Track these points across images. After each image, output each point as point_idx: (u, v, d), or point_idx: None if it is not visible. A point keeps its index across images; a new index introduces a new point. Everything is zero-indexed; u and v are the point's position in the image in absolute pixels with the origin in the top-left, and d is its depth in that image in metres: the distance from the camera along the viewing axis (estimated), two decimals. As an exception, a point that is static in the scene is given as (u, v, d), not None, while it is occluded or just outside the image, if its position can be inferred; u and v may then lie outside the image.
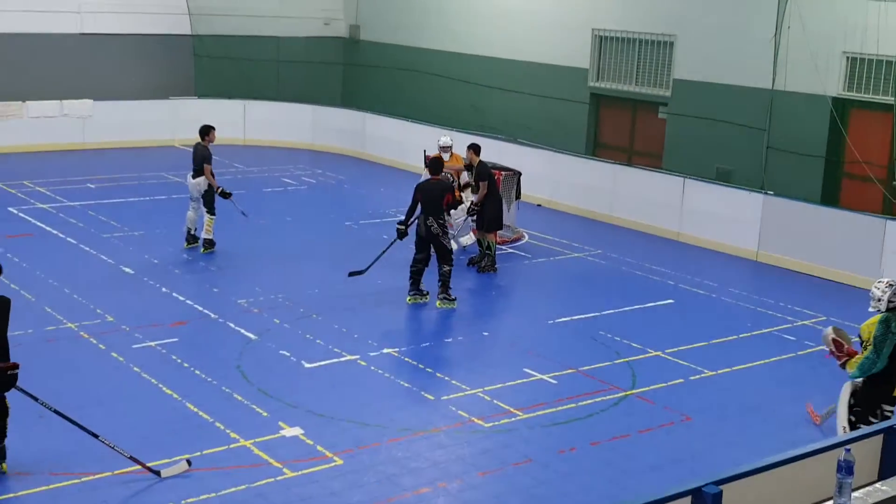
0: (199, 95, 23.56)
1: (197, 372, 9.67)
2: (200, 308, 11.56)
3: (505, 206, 14.79)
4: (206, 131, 14.07)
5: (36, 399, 7.59)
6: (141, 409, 8.84)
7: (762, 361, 10.85)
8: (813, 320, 12.25)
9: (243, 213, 14.17)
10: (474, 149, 13.74)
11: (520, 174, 15.37)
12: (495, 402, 9.36)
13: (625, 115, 19.46)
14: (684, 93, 18.07)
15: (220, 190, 13.92)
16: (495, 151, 17.20)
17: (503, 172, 15.06)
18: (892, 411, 7.86)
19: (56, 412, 7.69)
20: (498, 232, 14.24)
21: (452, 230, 14.00)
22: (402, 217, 12.44)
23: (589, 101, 19.74)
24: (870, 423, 7.65)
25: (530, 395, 9.58)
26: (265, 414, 8.81)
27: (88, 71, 22.18)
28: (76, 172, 18.96)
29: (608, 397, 9.61)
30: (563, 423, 8.99)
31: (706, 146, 17.68)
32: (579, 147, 19.52)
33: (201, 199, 13.96)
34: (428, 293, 12.21)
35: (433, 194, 12.02)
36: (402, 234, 12.25)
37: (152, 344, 10.35)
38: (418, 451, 8.32)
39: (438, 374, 10.03)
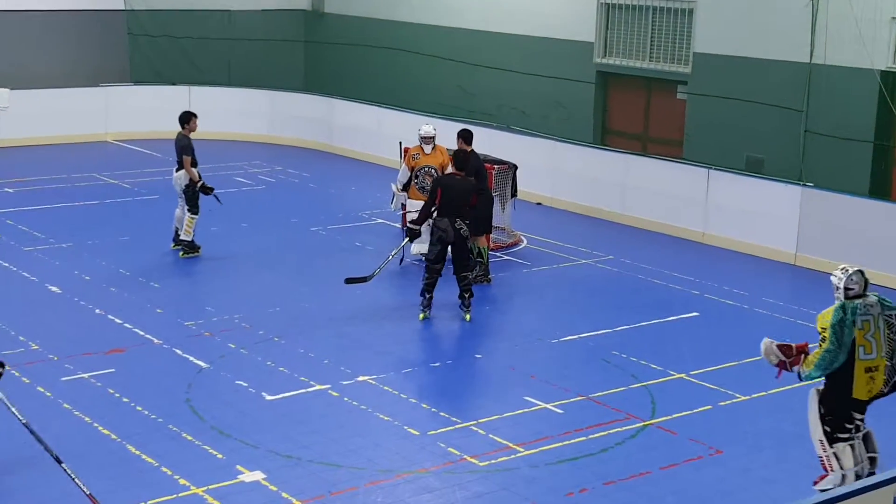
0: (135, 81, 23.55)
1: (139, 408, 9.67)
2: (141, 332, 11.56)
3: (499, 206, 14.87)
4: (187, 119, 14.37)
5: (10, 408, 7.77)
6: (73, 451, 8.73)
7: (803, 383, 10.82)
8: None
9: (217, 198, 14.53)
10: (464, 137, 13.79)
11: (515, 168, 15.42)
12: (491, 436, 9.38)
13: (637, 97, 19.55)
14: (707, 69, 18.16)
15: (200, 184, 14.18)
16: (487, 141, 17.26)
17: (496, 166, 15.11)
18: (862, 419, 8.19)
19: (28, 429, 7.82)
20: (491, 236, 14.30)
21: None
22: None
23: (595, 80, 19.82)
24: (846, 431, 8.06)
25: (533, 427, 9.61)
26: (220, 456, 8.81)
27: (3, 54, 22.14)
28: (-9, 174, 18.94)
29: (624, 428, 9.65)
30: (571, 459, 9.02)
31: (733, 131, 17.77)
32: (585, 135, 19.59)
33: (184, 196, 14.24)
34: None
35: (460, 193, 12.14)
36: (415, 236, 12.33)
37: (85, 375, 10.34)
38: (402, 496, 8.33)
39: (424, 406, 10.06)
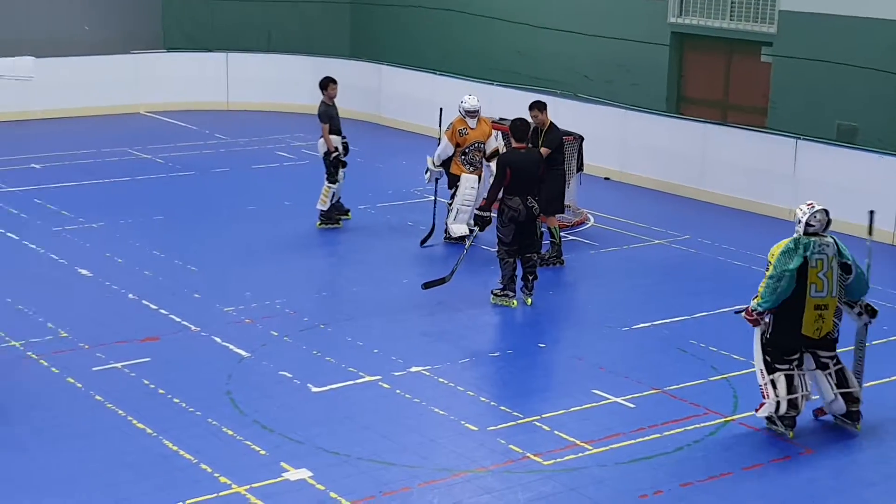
0: (168, 48, 23.77)
1: (175, 400, 9.77)
2: (178, 319, 11.67)
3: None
4: (325, 85, 15.07)
5: None
6: (105, 447, 8.93)
7: (904, 373, 10.83)
8: (971, 319, 12.16)
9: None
10: (539, 107, 13.75)
11: (581, 139, 15.40)
12: (556, 433, 9.38)
13: (717, 60, 19.38)
14: (795, 28, 17.96)
15: (335, 155, 14.76)
16: (549, 110, 17.16)
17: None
18: (830, 357, 9.36)
19: None
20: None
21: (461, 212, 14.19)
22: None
23: (670, 42, 19.68)
24: (786, 363, 9.24)
25: (602, 423, 9.59)
26: (263, 452, 8.88)
27: (28, 19, 22.40)
28: (16, 150, 19.19)
29: (703, 425, 9.60)
30: (644, 458, 8.99)
31: (824, 97, 17.58)
32: (658, 102, 19.48)
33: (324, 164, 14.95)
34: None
35: (529, 168, 12.18)
36: (486, 223, 12.29)
37: (118, 365, 10.46)
38: (459, 496, 8.34)
39: (483, 399, 10.07)
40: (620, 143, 18.33)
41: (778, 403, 9.23)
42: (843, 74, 17.29)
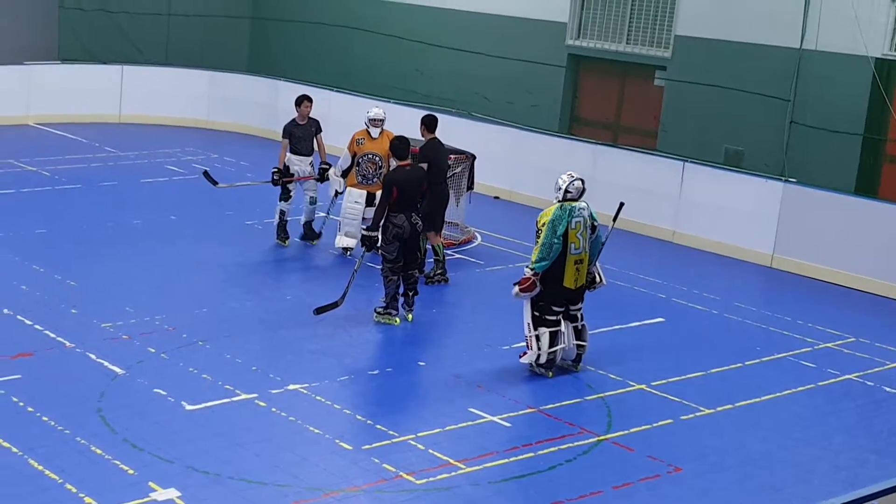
0: (63, 59, 23.43)
1: (45, 418, 9.61)
2: (52, 335, 11.49)
3: (453, 200, 14.93)
4: (298, 102, 15.25)
5: None
6: (-33, 467, 8.78)
7: (772, 396, 11.05)
8: (839, 342, 12.40)
9: (211, 179, 15.42)
10: (427, 123, 13.87)
11: (473, 158, 15.49)
12: (431, 451, 9.42)
13: (611, 83, 19.65)
14: (688, 53, 18.30)
15: (273, 170, 14.99)
16: (444, 129, 17.17)
17: (452, 156, 15.15)
18: (578, 309, 11.04)
19: None
20: (443, 233, 14.35)
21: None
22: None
23: (566, 64, 19.91)
24: (553, 314, 10.87)
25: (477, 442, 9.65)
26: (132, 472, 8.78)
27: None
28: None
29: (577, 444, 9.71)
30: (517, 477, 9.06)
31: (713, 121, 17.92)
32: (552, 123, 19.70)
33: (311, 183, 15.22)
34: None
35: (412, 185, 12.26)
36: (374, 244, 12.29)
37: (-14, 382, 10.28)
38: (328, 516, 8.36)
39: (359, 417, 10.07)
40: (512, 163, 18.50)
41: (539, 356, 10.92)
42: (734, 99, 17.67)
